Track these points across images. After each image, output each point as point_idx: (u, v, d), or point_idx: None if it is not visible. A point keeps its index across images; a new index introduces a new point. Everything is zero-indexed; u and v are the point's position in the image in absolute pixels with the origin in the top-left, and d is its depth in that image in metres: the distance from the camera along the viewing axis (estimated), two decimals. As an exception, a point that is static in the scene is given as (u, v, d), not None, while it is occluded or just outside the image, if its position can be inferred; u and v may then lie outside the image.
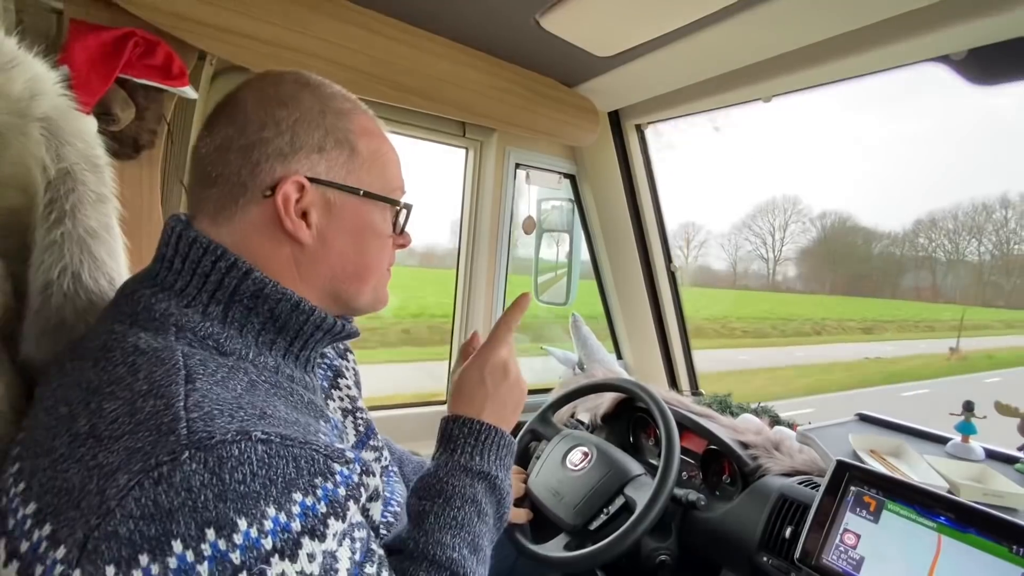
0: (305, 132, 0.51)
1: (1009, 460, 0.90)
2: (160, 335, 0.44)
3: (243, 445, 0.36)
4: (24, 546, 0.36)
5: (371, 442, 0.67)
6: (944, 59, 0.96)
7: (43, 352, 0.51)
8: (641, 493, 0.91)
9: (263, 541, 0.34)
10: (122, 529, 0.33)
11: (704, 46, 1.04)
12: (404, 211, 0.58)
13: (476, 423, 0.59)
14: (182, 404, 0.37)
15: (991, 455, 0.91)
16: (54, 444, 0.39)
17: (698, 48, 1.05)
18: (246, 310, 0.49)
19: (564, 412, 1.38)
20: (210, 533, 0.33)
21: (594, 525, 0.93)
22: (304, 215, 0.51)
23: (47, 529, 0.35)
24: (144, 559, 0.32)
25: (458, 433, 0.59)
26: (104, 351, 0.42)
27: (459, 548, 0.52)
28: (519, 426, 1.20)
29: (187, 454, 0.34)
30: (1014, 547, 0.64)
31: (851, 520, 0.76)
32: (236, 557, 0.33)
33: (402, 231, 0.59)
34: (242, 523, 0.34)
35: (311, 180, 0.50)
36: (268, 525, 0.35)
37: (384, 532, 0.57)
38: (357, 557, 0.42)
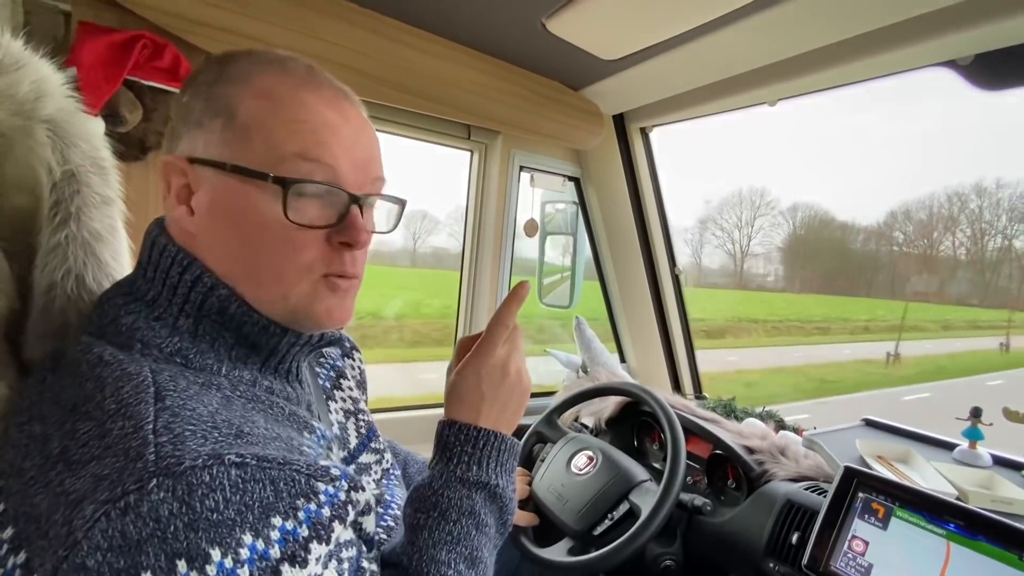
0: (192, 109, 0.47)
1: (1016, 467, 0.89)
2: (124, 351, 0.42)
3: (215, 470, 0.34)
4: None
5: (372, 444, 0.66)
6: (951, 64, 0.95)
7: (45, 354, 0.51)
8: (646, 500, 0.90)
9: (239, 571, 0.32)
10: (90, 561, 0.31)
11: (710, 50, 1.04)
12: (287, 187, 0.44)
13: (473, 429, 0.54)
14: (151, 427, 0.35)
15: (998, 461, 0.91)
16: (24, 465, 0.37)
17: (704, 52, 1.05)
18: (216, 325, 0.46)
19: (568, 415, 1.37)
20: (181, 565, 0.31)
21: (598, 531, 0.92)
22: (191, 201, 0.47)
23: (22, 556, 0.34)
24: None
25: (454, 440, 0.54)
26: (75, 365, 0.41)
27: (455, 564, 0.49)
28: (523, 428, 1.19)
29: (155, 482, 0.32)
30: (1024, 555, 0.63)
31: (859, 527, 0.75)
32: None
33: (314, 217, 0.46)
34: (215, 553, 0.32)
35: (190, 160, 0.46)
36: (244, 554, 0.33)
37: (384, 538, 0.56)
38: None
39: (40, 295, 0.51)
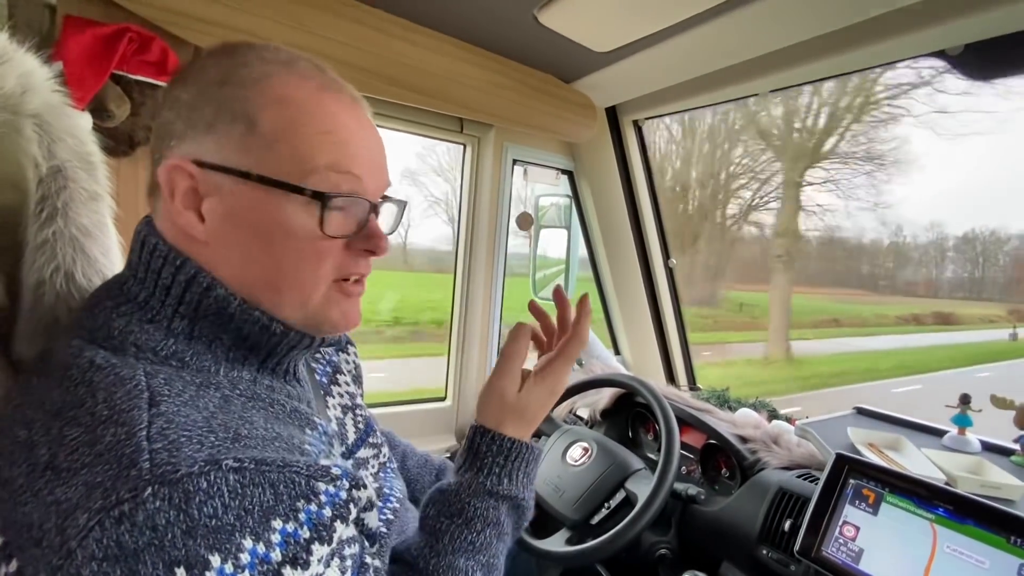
0: (198, 109, 0.44)
1: (1004, 452, 0.90)
2: (118, 355, 0.40)
3: (212, 476, 0.33)
4: None
5: (370, 439, 0.66)
6: (941, 54, 0.96)
7: (36, 352, 0.50)
8: (642, 487, 0.91)
9: None
10: (85, 571, 0.31)
11: (702, 41, 1.03)
12: (326, 201, 0.44)
13: (507, 441, 0.55)
14: (144, 433, 0.34)
15: (987, 447, 0.92)
16: (12, 474, 0.36)
17: (696, 43, 1.04)
18: (213, 327, 0.45)
19: (563, 408, 1.38)
20: (180, 572, 0.31)
21: (595, 519, 0.93)
22: (200, 207, 0.44)
23: (14, 565, 0.34)
24: None
25: (486, 450, 0.55)
26: (64, 368, 0.39)
27: (472, 572, 0.50)
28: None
29: (150, 491, 0.32)
30: (1011, 538, 0.64)
31: (850, 512, 0.76)
32: None
33: (330, 227, 0.45)
34: (215, 560, 0.32)
35: (199, 164, 0.43)
36: (245, 559, 0.33)
37: (384, 531, 0.56)
38: (348, 575, 0.40)
39: (29, 292, 0.50)
